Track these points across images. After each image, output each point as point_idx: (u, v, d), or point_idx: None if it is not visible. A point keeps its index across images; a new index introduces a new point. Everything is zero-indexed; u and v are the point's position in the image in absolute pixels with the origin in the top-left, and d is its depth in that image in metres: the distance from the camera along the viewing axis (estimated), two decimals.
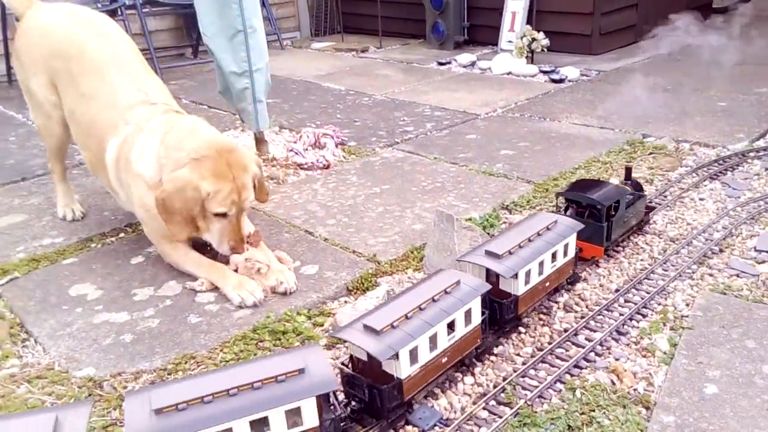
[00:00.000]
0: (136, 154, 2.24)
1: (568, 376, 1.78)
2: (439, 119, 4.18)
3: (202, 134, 2.22)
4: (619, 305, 2.10)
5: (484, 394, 1.72)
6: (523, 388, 1.73)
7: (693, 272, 2.26)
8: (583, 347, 1.89)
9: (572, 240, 2.08)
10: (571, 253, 2.11)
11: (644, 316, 2.04)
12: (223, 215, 2.14)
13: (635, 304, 2.08)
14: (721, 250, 2.38)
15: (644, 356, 1.85)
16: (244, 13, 2.84)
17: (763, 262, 2.29)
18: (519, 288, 1.89)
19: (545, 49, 5.34)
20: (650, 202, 2.70)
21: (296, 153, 3.35)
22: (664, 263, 2.32)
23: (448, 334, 1.66)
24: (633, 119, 3.95)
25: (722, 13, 7.67)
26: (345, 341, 1.69)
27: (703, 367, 1.78)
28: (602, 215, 2.26)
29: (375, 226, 2.65)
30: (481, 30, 6.35)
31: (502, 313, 1.89)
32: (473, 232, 2.35)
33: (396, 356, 1.50)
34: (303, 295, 2.16)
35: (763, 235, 2.45)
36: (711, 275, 2.24)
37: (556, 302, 2.12)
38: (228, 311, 2.08)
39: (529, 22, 5.73)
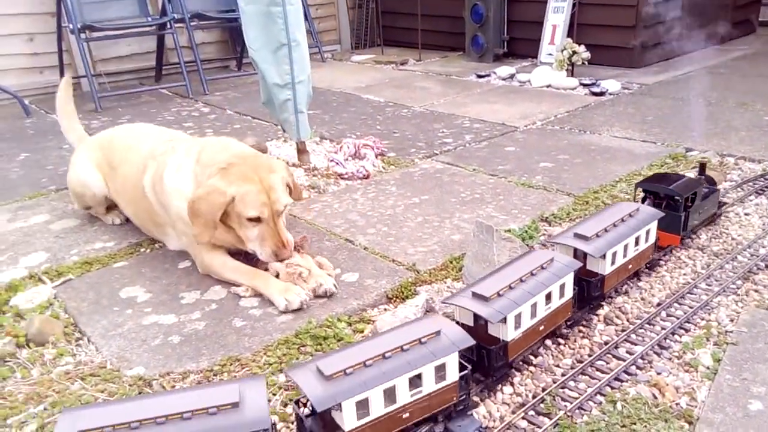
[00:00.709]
0: (170, 172, 2.40)
1: (608, 389, 1.77)
2: (478, 131, 4.20)
3: (231, 149, 2.39)
4: (661, 319, 2.08)
5: (523, 404, 1.72)
6: (563, 399, 1.73)
7: (738, 288, 2.22)
8: (624, 360, 1.87)
9: (653, 227, 2.25)
10: (652, 239, 2.27)
11: (687, 330, 2.02)
12: (257, 220, 2.23)
13: (678, 318, 2.06)
14: (767, 266, 2.34)
15: (687, 371, 1.83)
16: (289, 27, 2.93)
17: None
18: (606, 268, 2.06)
19: (586, 62, 5.31)
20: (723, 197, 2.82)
21: (337, 163, 3.41)
22: (708, 278, 2.28)
23: (546, 304, 1.83)
24: (676, 133, 3.90)
25: None
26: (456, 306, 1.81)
27: (747, 383, 1.75)
28: (680, 205, 2.39)
29: (414, 235, 2.69)
30: (520, 43, 6.36)
31: (589, 291, 2.07)
32: (513, 244, 2.36)
33: (504, 320, 1.67)
34: (343, 301, 2.20)
35: None
36: (756, 291, 2.19)
37: (596, 315, 2.11)
38: (271, 316, 2.13)
39: (569, 35, 5.71)
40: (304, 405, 1.51)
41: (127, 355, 1.96)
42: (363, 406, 1.43)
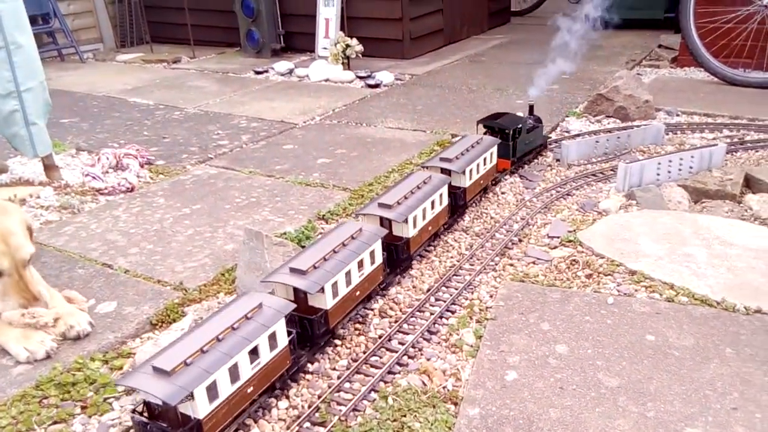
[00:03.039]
0: None
1: (381, 384, 1.78)
2: (256, 131, 4.07)
3: None
4: (430, 305, 2.15)
5: (300, 416, 1.67)
6: (338, 404, 1.70)
7: (496, 264, 2.39)
8: (396, 352, 1.90)
9: (495, 150, 2.88)
10: (494, 160, 2.90)
11: (453, 312, 2.11)
12: None
13: (444, 301, 2.15)
14: (519, 240, 2.55)
15: (453, 352, 1.91)
16: (4, 29, 2.51)
17: (555, 247, 2.48)
18: (466, 182, 2.64)
19: (360, 55, 5.44)
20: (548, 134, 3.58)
21: (94, 177, 3.06)
22: (471, 258, 2.43)
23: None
24: (443, 120, 4.14)
25: (521, 16, 8.38)
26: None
27: (504, 354, 1.87)
28: (509, 136, 2.99)
29: (183, 250, 2.49)
30: (297, 37, 6.33)
31: (456, 201, 2.61)
32: (285, 248, 2.29)
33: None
34: (98, 337, 1.95)
35: (555, 222, 2.66)
36: (511, 265, 2.37)
37: (371, 309, 2.12)
38: (5, 368, 1.81)
39: (342, 28, 5.80)
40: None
41: None
42: (335, 289, 1.86)
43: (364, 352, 1.92)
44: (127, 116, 4.46)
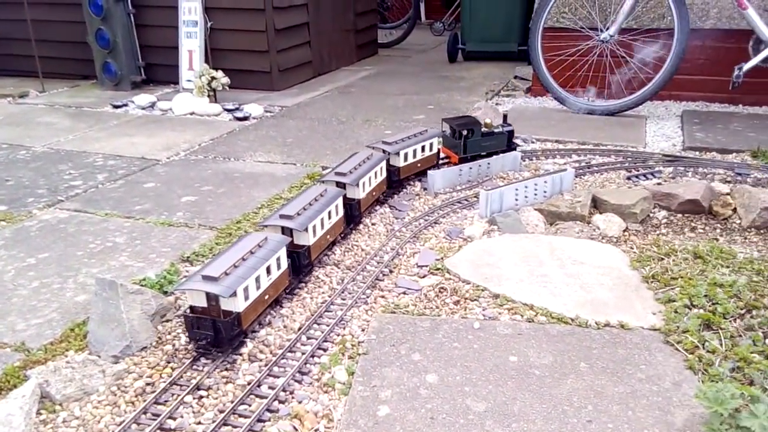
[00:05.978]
0: None
1: None
2: (113, 169, 3.82)
3: None
4: (302, 344, 2.10)
5: None
6: None
7: (367, 297, 2.39)
8: (266, 397, 1.83)
9: (436, 141, 3.49)
10: (435, 149, 3.50)
11: (325, 350, 2.07)
12: None
13: (316, 339, 2.11)
14: (390, 271, 2.57)
15: (326, 392, 1.87)
16: None
17: (424, 276, 2.53)
18: (401, 161, 3.25)
19: (226, 87, 5.32)
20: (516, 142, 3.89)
21: None
22: (342, 292, 2.41)
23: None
24: (313, 153, 4.13)
25: (388, 48, 8.65)
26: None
27: (376, 390, 1.86)
28: (461, 136, 3.49)
29: (27, 305, 2.26)
30: (160, 69, 6.08)
31: (390, 177, 3.22)
32: (144, 296, 2.15)
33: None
34: None
35: (423, 251, 2.71)
36: (383, 297, 2.38)
37: (240, 354, 2.04)
38: None
39: (207, 60, 5.66)
40: None
41: None
42: (314, 230, 2.46)
43: (232, 401, 1.82)
44: None
